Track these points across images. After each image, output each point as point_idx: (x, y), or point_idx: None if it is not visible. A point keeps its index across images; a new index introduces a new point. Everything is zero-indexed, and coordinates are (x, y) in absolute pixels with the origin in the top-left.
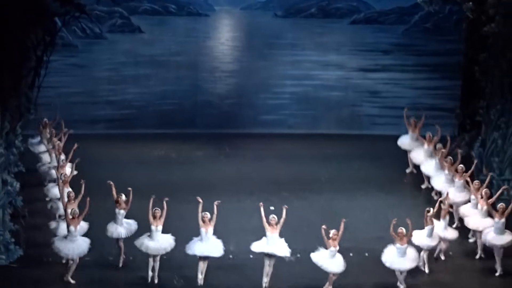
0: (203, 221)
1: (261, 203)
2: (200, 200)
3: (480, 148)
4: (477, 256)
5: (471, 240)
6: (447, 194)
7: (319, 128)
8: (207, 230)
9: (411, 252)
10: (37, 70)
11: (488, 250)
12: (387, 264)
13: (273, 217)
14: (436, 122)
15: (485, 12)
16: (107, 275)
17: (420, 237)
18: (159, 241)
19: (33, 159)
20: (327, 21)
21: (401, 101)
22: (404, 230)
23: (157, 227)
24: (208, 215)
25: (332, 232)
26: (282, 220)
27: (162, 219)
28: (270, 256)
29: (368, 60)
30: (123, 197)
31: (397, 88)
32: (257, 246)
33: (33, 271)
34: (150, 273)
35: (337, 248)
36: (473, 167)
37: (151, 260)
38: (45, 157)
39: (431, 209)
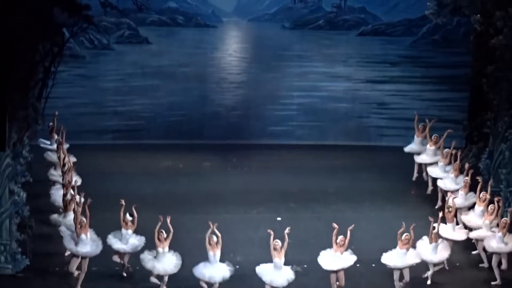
0: (210, 244)
1: (270, 231)
2: (211, 225)
3: (488, 160)
4: (482, 265)
5: (474, 252)
6: (452, 199)
7: (327, 139)
8: (215, 253)
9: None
10: (45, 81)
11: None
12: (391, 265)
13: (276, 242)
14: (444, 132)
15: (493, 25)
16: (114, 285)
17: (425, 251)
18: (165, 263)
19: (40, 169)
20: (335, 33)
21: (409, 112)
22: (410, 236)
23: (163, 249)
24: (214, 238)
25: (340, 238)
26: (285, 244)
27: (168, 240)
28: None
29: (376, 72)
30: (128, 217)
31: (405, 100)
32: (266, 276)
33: (40, 281)
34: (155, 281)
35: (342, 255)
36: (479, 187)
37: (154, 278)
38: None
39: (436, 225)
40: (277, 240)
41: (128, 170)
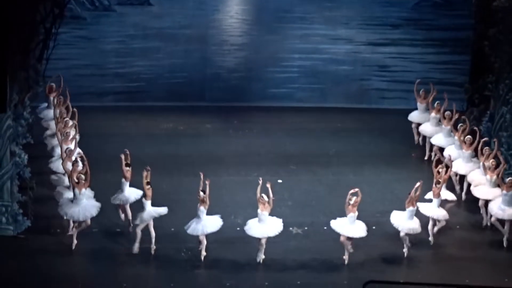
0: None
1: (260, 178)
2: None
3: (489, 123)
4: (484, 224)
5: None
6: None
7: (328, 102)
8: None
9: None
10: (46, 43)
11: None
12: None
13: (262, 196)
14: (444, 94)
15: None
16: (113, 245)
17: (428, 208)
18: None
19: (41, 131)
20: None
21: (410, 75)
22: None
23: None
24: (265, 198)
25: (354, 199)
26: (270, 200)
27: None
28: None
29: (377, 34)
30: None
31: (406, 63)
32: (251, 230)
33: (41, 242)
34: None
35: (356, 214)
36: (478, 138)
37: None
38: (53, 125)
39: (440, 181)
40: (263, 195)
41: (129, 132)
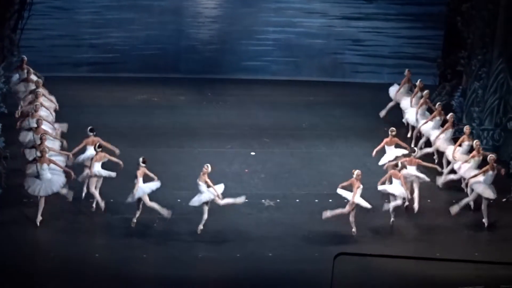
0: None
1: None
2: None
3: (461, 98)
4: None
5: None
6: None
7: (301, 75)
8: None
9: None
10: (21, 13)
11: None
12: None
13: (206, 166)
14: (417, 72)
15: None
16: (85, 216)
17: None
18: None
19: (15, 101)
20: None
21: (383, 49)
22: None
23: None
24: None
25: (356, 172)
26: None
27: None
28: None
29: (351, 8)
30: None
31: (380, 37)
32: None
33: (13, 212)
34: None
35: (361, 187)
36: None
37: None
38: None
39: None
40: (208, 164)
41: (103, 103)
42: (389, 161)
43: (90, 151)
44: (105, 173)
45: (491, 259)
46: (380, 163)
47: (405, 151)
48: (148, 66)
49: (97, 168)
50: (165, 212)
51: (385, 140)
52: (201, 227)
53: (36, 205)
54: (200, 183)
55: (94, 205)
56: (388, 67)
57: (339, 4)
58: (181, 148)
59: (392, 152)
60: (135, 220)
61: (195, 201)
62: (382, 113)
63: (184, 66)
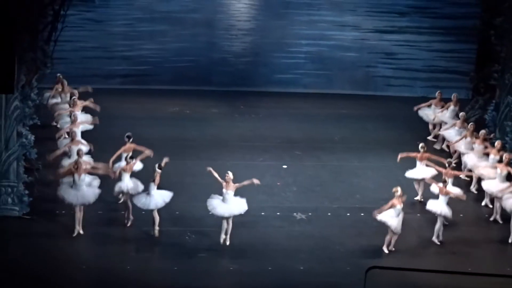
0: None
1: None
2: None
3: (494, 112)
4: (492, 218)
5: (483, 203)
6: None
7: (334, 88)
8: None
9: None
10: (54, 24)
11: (505, 216)
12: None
13: (227, 173)
14: (452, 83)
15: None
16: (117, 228)
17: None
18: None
19: (48, 113)
20: None
21: (416, 63)
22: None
23: (227, 191)
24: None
25: (399, 192)
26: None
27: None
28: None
29: (384, 22)
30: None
31: (412, 50)
32: (215, 209)
33: (45, 224)
34: (222, 236)
35: (402, 206)
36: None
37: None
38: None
39: (446, 179)
40: (229, 171)
41: (135, 115)
42: (415, 179)
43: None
44: (132, 190)
45: None
46: (408, 175)
47: (434, 172)
48: (180, 78)
49: (126, 181)
50: (156, 230)
51: (417, 155)
52: (223, 237)
53: (69, 216)
54: (229, 191)
55: (126, 216)
56: (420, 81)
57: (371, 17)
58: (212, 160)
59: (421, 170)
60: (157, 229)
61: (225, 212)
62: (437, 146)
63: (216, 78)
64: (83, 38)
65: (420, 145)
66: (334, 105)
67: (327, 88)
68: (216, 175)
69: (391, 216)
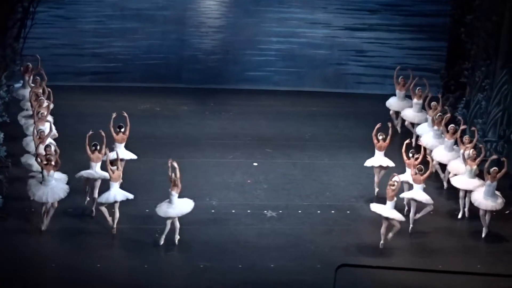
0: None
1: (170, 160)
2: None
3: (464, 110)
4: (460, 215)
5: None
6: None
7: (304, 85)
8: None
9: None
10: (23, 21)
11: (473, 210)
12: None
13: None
14: (424, 80)
15: None
16: (86, 226)
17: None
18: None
19: (18, 110)
20: None
21: (387, 60)
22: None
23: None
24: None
25: (396, 186)
26: (178, 180)
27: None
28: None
29: (355, 19)
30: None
31: (383, 48)
32: (164, 212)
33: (14, 221)
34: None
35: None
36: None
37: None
38: (28, 105)
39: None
40: (173, 174)
41: (105, 112)
42: (373, 166)
43: (118, 148)
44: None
45: (494, 271)
46: (367, 164)
47: (390, 163)
48: (151, 75)
49: (96, 169)
50: (115, 225)
51: (377, 144)
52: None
53: (39, 214)
54: (173, 192)
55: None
56: (391, 78)
57: (342, 14)
58: (183, 158)
59: (379, 159)
60: (115, 226)
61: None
62: (398, 128)
63: (187, 76)
64: (53, 35)
65: (379, 133)
66: (305, 103)
67: (298, 85)
68: (171, 172)
69: (389, 209)
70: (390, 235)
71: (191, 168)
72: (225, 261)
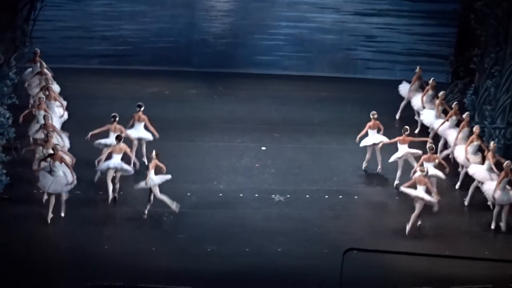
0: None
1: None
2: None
3: (473, 96)
4: (466, 203)
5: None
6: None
7: (313, 70)
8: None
9: None
10: (33, 3)
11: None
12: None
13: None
14: (430, 69)
15: None
16: (94, 209)
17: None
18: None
19: (27, 92)
20: None
21: (396, 46)
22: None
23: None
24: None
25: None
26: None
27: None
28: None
29: (364, 4)
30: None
31: (393, 33)
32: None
33: (22, 203)
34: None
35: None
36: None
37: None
38: (35, 91)
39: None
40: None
41: (114, 95)
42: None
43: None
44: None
45: (502, 258)
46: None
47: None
48: (160, 59)
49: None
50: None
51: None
52: (145, 211)
53: (41, 200)
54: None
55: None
56: (400, 64)
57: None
58: (191, 141)
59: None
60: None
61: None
62: (397, 115)
63: (196, 59)
64: (62, 18)
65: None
66: (314, 88)
67: (307, 70)
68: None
69: (422, 192)
70: (419, 222)
71: (199, 151)
72: (233, 245)
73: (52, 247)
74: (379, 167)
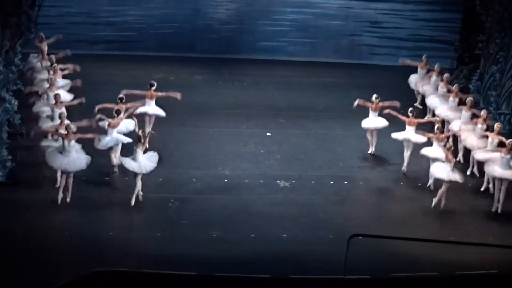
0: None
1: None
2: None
3: (478, 82)
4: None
5: (468, 172)
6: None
7: (318, 56)
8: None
9: None
10: None
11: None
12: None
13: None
14: (435, 55)
15: None
16: (100, 194)
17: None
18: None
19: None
20: None
21: (401, 31)
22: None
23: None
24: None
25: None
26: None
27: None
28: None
29: None
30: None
31: (398, 19)
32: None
33: (27, 189)
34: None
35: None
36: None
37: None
38: (42, 75)
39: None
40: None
41: (119, 81)
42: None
43: (148, 105)
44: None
45: (506, 243)
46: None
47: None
48: (165, 45)
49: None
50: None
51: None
52: (133, 198)
53: (52, 181)
54: (138, 150)
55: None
56: (405, 50)
57: None
58: (196, 127)
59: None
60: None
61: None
62: (417, 104)
63: (201, 45)
64: (67, 3)
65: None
66: (319, 73)
67: (312, 56)
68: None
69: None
70: (443, 201)
71: (204, 137)
72: (238, 231)
73: (57, 233)
74: (372, 149)
